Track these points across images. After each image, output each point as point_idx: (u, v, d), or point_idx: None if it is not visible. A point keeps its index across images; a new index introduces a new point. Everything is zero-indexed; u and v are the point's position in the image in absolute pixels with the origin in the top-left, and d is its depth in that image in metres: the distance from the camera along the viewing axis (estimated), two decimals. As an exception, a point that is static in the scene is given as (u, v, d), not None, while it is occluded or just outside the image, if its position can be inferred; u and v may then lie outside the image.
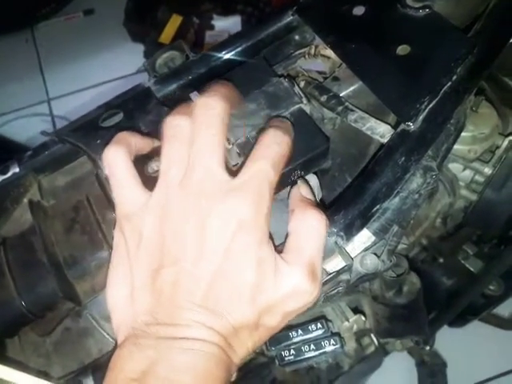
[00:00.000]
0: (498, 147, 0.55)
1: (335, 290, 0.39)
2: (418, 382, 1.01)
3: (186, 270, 0.31)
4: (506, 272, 0.68)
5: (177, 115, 0.35)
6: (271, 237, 0.38)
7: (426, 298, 0.59)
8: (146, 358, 0.29)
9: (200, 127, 0.34)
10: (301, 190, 0.38)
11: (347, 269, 0.39)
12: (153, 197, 0.34)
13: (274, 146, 0.34)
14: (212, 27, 1.72)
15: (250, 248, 0.32)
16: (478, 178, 0.57)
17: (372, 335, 0.66)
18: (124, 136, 0.37)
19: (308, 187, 0.39)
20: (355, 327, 0.52)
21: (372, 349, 0.71)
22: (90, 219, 0.44)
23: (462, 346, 1.14)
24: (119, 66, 1.68)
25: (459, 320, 0.83)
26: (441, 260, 0.76)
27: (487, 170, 0.55)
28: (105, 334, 0.42)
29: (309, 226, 0.35)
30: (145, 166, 0.39)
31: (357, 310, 0.55)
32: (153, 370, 0.29)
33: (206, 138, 0.33)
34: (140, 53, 1.71)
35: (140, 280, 0.33)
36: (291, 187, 0.40)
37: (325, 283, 0.38)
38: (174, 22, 1.63)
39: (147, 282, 0.32)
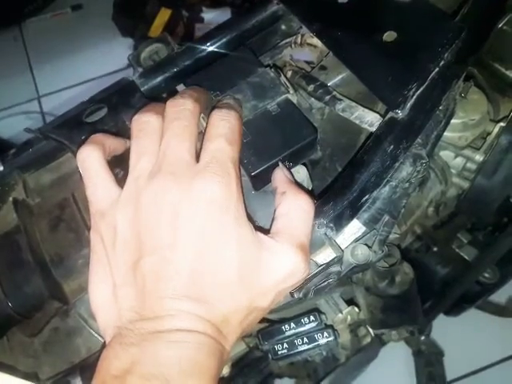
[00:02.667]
0: (489, 134, 0.55)
1: (326, 282, 0.38)
2: (416, 372, 1.02)
3: (164, 257, 0.31)
4: (501, 259, 0.68)
5: (145, 112, 0.36)
6: (255, 220, 0.37)
7: (421, 287, 0.58)
8: (130, 355, 0.29)
9: (170, 120, 0.35)
10: (284, 172, 0.39)
11: (337, 260, 0.38)
12: (123, 191, 0.34)
13: (222, 122, 0.35)
14: (201, 20, 1.71)
15: (225, 225, 0.32)
16: (470, 165, 0.56)
17: (368, 326, 0.66)
18: (98, 137, 0.38)
19: (287, 169, 0.40)
20: (349, 319, 0.52)
21: (368, 340, 0.70)
22: (76, 217, 0.43)
23: (459, 335, 1.14)
24: (109, 61, 1.66)
25: (455, 308, 0.83)
26: (435, 249, 0.76)
27: (478, 157, 0.54)
28: (93, 332, 0.42)
29: (301, 209, 0.35)
30: (118, 170, 0.39)
31: (351, 302, 0.54)
32: (135, 368, 0.28)
33: (176, 128, 0.34)
34: (130, 47, 1.70)
35: (120, 277, 0.32)
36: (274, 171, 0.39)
37: (315, 275, 0.38)
38: (163, 16, 1.62)
39: (128, 278, 0.32)
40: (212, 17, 1.69)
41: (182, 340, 0.29)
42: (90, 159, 0.36)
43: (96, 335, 0.42)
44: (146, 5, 1.66)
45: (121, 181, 0.35)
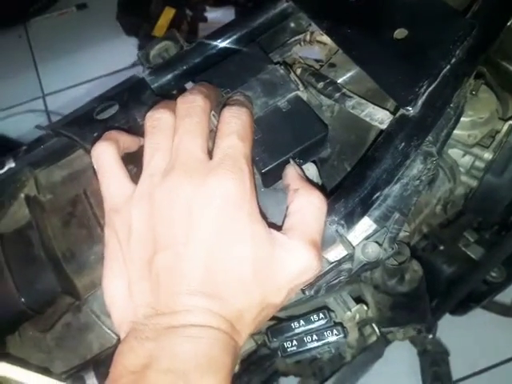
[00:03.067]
0: (497, 132, 0.55)
1: (337, 280, 0.38)
2: (421, 371, 1.01)
3: (179, 253, 0.31)
4: (508, 258, 0.68)
5: (158, 109, 0.36)
6: (266, 217, 0.38)
7: (428, 286, 0.58)
8: (147, 350, 0.29)
9: (182, 117, 0.35)
10: (296, 169, 0.39)
11: (349, 258, 0.38)
12: (138, 187, 0.34)
13: (234, 119, 0.35)
14: (205, 19, 1.71)
15: (239, 222, 0.32)
16: (478, 163, 0.56)
17: (374, 325, 0.66)
18: (112, 134, 0.38)
19: (298, 166, 0.40)
20: (357, 317, 0.52)
21: (374, 338, 0.70)
22: (88, 213, 0.43)
23: (465, 334, 1.14)
24: (114, 59, 1.66)
25: (461, 308, 0.83)
26: (442, 247, 0.76)
27: (487, 156, 0.54)
28: (106, 328, 0.42)
29: (314, 206, 0.35)
30: (132, 166, 0.39)
31: (359, 300, 0.54)
32: (153, 363, 0.28)
33: (188, 125, 0.34)
34: (134, 46, 1.70)
35: (135, 273, 0.32)
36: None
37: (326, 272, 0.38)
38: (167, 15, 1.62)
39: (143, 274, 0.32)
40: (216, 16, 1.70)
41: (197, 335, 0.29)
42: (105, 155, 0.36)
43: (108, 331, 0.42)
44: (150, 4, 1.67)
45: (134, 177, 0.36)
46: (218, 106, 0.39)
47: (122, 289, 0.33)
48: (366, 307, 0.52)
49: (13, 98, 1.65)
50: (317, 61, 0.56)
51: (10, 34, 1.82)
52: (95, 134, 0.44)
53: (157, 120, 0.36)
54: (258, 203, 0.35)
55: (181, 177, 0.32)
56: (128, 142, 0.38)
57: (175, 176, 0.32)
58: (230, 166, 0.32)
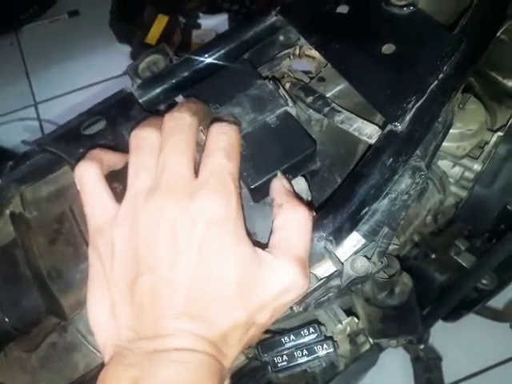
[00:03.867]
0: (486, 143, 0.55)
1: (326, 296, 0.38)
2: (414, 378, 1.01)
3: (163, 276, 0.31)
4: (499, 266, 0.68)
5: (143, 127, 0.36)
6: (252, 234, 0.37)
7: (419, 294, 0.58)
8: (131, 377, 0.28)
9: (169, 135, 0.34)
10: (283, 182, 0.38)
11: (337, 274, 0.38)
12: (121, 208, 0.34)
13: (221, 136, 0.35)
14: (198, 26, 1.71)
15: (224, 244, 0.31)
16: (468, 174, 0.56)
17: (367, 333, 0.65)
18: (95, 153, 0.37)
19: (286, 180, 0.39)
20: (348, 329, 0.52)
21: (367, 347, 0.70)
22: (74, 230, 0.43)
23: (456, 339, 1.14)
24: (106, 67, 1.66)
25: (453, 314, 0.83)
26: (433, 256, 0.75)
27: (477, 167, 0.54)
28: (92, 348, 0.41)
29: (298, 222, 0.35)
30: (117, 184, 0.38)
31: (350, 312, 0.54)
32: None
33: (174, 143, 0.34)
34: (127, 54, 1.69)
35: (119, 295, 0.32)
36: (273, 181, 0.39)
37: (315, 290, 0.37)
38: (160, 22, 1.62)
39: (126, 296, 0.32)
40: (209, 23, 1.70)
41: (182, 360, 0.29)
42: (88, 175, 0.35)
43: (94, 351, 0.41)
44: (143, 11, 1.66)
45: (119, 196, 0.35)
46: (207, 122, 0.39)
47: (105, 311, 0.32)
48: (356, 320, 0.52)
49: (4, 106, 1.64)
50: (306, 72, 0.56)
51: (1, 41, 1.81)
52: (81, 150, 0.43)
53: (142, 139, 0.35)
54: (246, 218, 0.35)
55: (165, 197, 0.32)
56: (113, 159, 0.38)
57: (159, 196, 0.32)
58: (215, 185, 0.32)
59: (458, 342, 1.15)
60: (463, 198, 0.58)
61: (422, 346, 0.71)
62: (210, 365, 0.30)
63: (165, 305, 0.30)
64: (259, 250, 0.33)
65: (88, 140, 0.45)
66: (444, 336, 1.06)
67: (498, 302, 1.09)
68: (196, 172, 0.34)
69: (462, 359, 1.16)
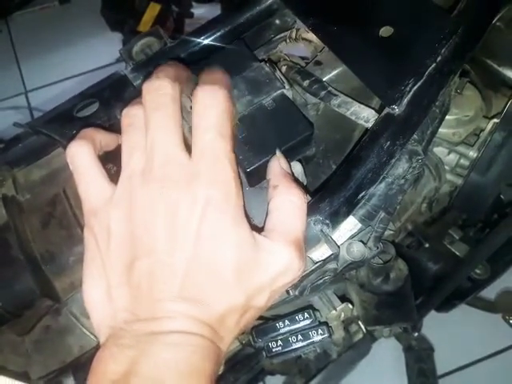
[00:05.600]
0: (482, 130, 0.55)
1: (322, 280, 0.38)
2: (406, 368, 1.02)
3: (160, 260, 0.30)
4: (492, 255, 0.68)
5: (134, 104, 0.34)
6: (251, 216, 0.37)
7: (413, 283, 0.58)
8: (128, 357, 0.28)
9: (150, 111, 0.33)
10: (280, 162, 0.37)
11: (334, 257, 0.38)
12: (117, 190, 0.33)
13: (209, 110, 0.32)
14: (191, 15, 1.69)
15: (223, 228, 0.31)
16: (463, 161, 0.57)
17: (359, 322, 0.65)
18: (88, 132, 0.36)
19: (284, 160, 0.38)
20: (343, 315, 0.52)
21: (360, 336, 0.71)
22: (68, 213, 0.42)
23: (449, 329, 1.15)
24: (97, 55, 1.64)
25: (446, 305, 0.83)
26: (427, 245, 0.76)
27: (472, 154, 0.54)
28: (86, 331, 0.41)
29: (294, 204, 0.34)
30: (111, 165, 0.37)
31: (344, 298, 0.54)
32: (134, 370, 0.27)
33: (158, 120, 0.32)
34: (119, 42, 1.67)
35: (115, 277, 0.31)
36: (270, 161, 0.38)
37: (311, 273, 0.37)
38: (153, 10, 1.60)
39: (123, 278, 0.31)
40: (202, 12, 1.68)
41: (179, 342, 0.29)
42: (81, 155, 0.34)
43: (88, 334, 0.41)
44: (134, -1, 1.64)
45: (114, 177, 0.34)
46: (192, 86, 0.36)
47: (101, 293, 0.32)
48: (351, 306, 0.52)
49: (-6, 94, 1.63)
50: (302, 58, 0.55)
51: (-10, 29, 1.79)
52: (74, 132, 0.43)
53: (132, 117, 0.34)
54: (244, 203, 0.34)
55: (161, 181, 0.31)
56: (106, 139, 0.37)
57: (155, 180, 0.31)
58: (212, 167, 0.31)
59: (450, 332, 1.16)
60: (458, 186, 0.58)
61: (415, 334, 0.71)
62: (207, 347, 0.30)
63: (162, 287, 0.30)
64: (256, 234, 0.33)
65: (81, 122, 0.44)
66: (435, 326, 1.07)
67: (489, 293, 1.10)
68: (187, 146, 0.33)
69: (454, 350, 1.17)
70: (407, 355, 1.00)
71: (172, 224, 0.30)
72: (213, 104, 0.33)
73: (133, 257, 0.31)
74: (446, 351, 1.12)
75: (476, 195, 0.54)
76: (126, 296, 0.31)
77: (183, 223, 0.30)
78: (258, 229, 0.34)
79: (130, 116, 0.34)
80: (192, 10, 1.71)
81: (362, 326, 0.66)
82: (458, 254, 0.73)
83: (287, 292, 0.38)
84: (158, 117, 0.32)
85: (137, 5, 1.64)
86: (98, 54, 1.64)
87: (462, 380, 1.18)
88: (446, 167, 0.57)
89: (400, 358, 1.07)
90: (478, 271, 0.74)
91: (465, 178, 0.54)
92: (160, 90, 0.33)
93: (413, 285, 0.58)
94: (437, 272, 0.76)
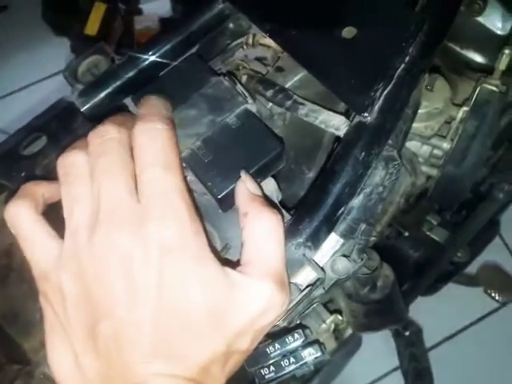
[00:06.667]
0: (453, 119, 0.53)
1: (310, 308, 0.36)
2: (397, 354, 1.02)
3: (123, 318, 0.27)
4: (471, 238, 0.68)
5: (69, 152, 0.32)
6: (224, 246, 0.35)
7: (396, 272, 0.57)
8: None
9: (95, 159, 0.30)
10: (247, 185, 0.34)
11: (320, 283, 0.36)
12: (64, 248, 0.30)
13: (148, 146, 0.30)
14: (140, 12, 1.62)
15: (185, 270, 0.28)
16: (437, 151, 0.55)
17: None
18: (27, 188, 0.33)
19: (251, 182, 0.35)
20: (333, 327, 0.50)
21: (350, 332, 0.70)
22: (26, 264, 0.38)
23: (430, 304, 1.16)
24: (46, 63, 1.55)
25: (430, 288, 0.84)
26: (406, 234, 0.75)
27: (446, 145, 0.53)
28: (61, 395, 0.38)
29: (268, 230, 0.31)
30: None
31: (333, 308, 0.52)
32: None
33: (104, 165, 0.30)
34: (66, 46, 1.59)
35: (80, 344, 0.28)
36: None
37: (298, 303, 0.35)
38: (98, 11, 1.52)
39: (88, 345, 0.28)
40: (151, 7, 1.61)
41: None
42: (20, 217, 0.31)
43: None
44: (77, 0, 1.56)
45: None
46: None
47: (69, 365, 0.29)
48: (340, 317, 0.50)
49: None
50: (261, 59, 0.53)
51: None
52: (23, 174, 0.39)
53: (69, 166, 0.31)
54: (217, 227, 0.31)
55: (109, 231, 0.28)
56: (49, 191, 0.33)
57: (102, 231, 0.28)
58: (161, 207, 0.28)
59: (431, 306, 1.17)
60: (433, 176, 0.57)
61: (407, 333, 0.71)
62: None
63: (131, 349, 0.27)
64: (229, 270, 0.30)
65: (29, 161, 0.40)
66: (417, 302, 1.08)
67: (470, 267, 1.12)
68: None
69: (440, 323, 1.19)
70: (397, 341, 1.01)
71: (128, 276, 0.28)
72: (150, 138, 0.30)
73: (94, 319, 0.28)
74: (430, 324, 1.14)
75: (453, 187, 0.53)
76: (95, 364, 0.28)
77: (140, 273, 0.28)
78: (233, 263, 0.32)
79: (66, 165, 0.31)
80: (140, 6, 1.64)
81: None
82: (437, 239, 0.73)
83: (275, 325, 0.35)
84: (102, 163, 0.30)
85: (80, 6, 1.56)
86: (46, 61, 1.55)
87: (450, 349, 1.20)
88: (420, 159, 0.56)
89: (391, 343, 1.07)
90: (458, 254, 0.74)
91: (441, 171, 0.53)
92: (104, 135, 0.30)
93: (396, 274, 0.56)
94: (419, 259, 0.76)
